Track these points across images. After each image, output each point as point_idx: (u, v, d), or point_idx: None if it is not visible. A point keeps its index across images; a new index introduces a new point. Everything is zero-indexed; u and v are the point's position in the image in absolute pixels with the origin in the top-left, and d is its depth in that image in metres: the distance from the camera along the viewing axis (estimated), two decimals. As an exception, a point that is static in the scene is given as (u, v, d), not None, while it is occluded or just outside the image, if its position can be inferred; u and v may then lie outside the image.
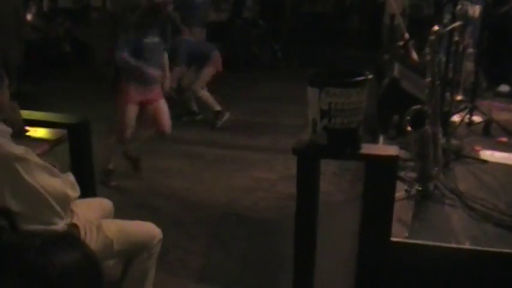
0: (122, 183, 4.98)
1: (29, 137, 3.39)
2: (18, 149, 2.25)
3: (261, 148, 5.99)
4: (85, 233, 2.50)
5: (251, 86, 8.39)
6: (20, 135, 3.29)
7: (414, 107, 3.52)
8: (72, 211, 2.52)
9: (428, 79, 3.56)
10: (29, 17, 10.07)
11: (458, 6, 4.59)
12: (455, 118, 5.15)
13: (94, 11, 10.60)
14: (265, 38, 9.35)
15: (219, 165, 5.53)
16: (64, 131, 3.44)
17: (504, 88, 6.56)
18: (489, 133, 5.06)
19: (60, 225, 2.39)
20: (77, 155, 3.35)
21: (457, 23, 4.09)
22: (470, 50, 5.93)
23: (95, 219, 2.65)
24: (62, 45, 10.90)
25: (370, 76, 2.57)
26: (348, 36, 11.70)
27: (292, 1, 12.96)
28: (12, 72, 7.43)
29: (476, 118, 5.27)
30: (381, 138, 4.66)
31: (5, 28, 7.96)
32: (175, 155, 5.84)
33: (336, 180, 5.00)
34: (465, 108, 5.27)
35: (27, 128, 3.44)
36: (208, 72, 6.82)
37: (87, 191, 3.02)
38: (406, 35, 5.04)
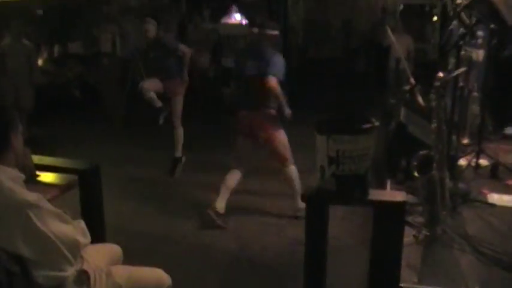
0: (129, 227, 4.98)
1: (39, 182, 3.41)
2: (31, 196, 2.29)
3: (270, 193, 5.98)
4: (95, 279, 2.51)
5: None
6: (31, 180, 3.34)
7: (421, 153, 3.56)
8: (82, 257, 2.54)
9: (434, 125, 3.61)
10: (40, 61, 10.26)
11: (462, 52, 4.67)
12: (462, 161, 5.18)
13: (104, 56, 10.78)
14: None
15: (227, 209, 5.52)
16: (74, 176, 3.48)
17: (510, 130, 6.59)
18: (496, 176, 5.09)
19: (70, 271, 2.40)
20: (87, 200, 3.37)
21: (462, 69, 4.15)
22: (475, 94, 6.00)
23: (104, 265, 2.66)
24: (72, 90, 11.06)
25: (377, 123, 2.61)
26: (354, 80, 11.81)
27: (298, 46, 13.18)
28: (24, 116, 7.54)
29: (483, 161, 5.30)
30: (389, 183, 4.69)
31: (17, 73, 8.11)
32: (184, 199, 5.86)
33: (344, 224, 4.99)
34: (472, 151, 5.30)
35: (37, 173, 3.48)
36: None
37: (96, 237, 3.04)
38: (412, 80, 5.09)
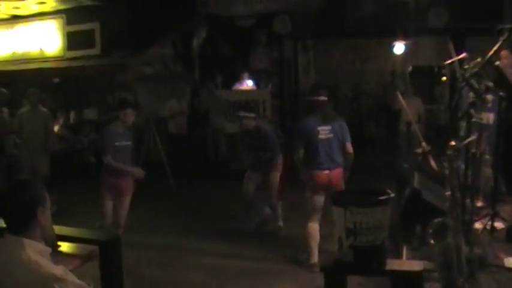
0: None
1: (60, 252, 3.47)
2: (57, 270, 2.34)
3: (284, 259, 5.95)
4: None
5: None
6: (52, 250, 3.39)
7: (436, 220, 3.60)
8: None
9: (448, 192, 3.65)
10: (56, 128, 10.47)
11: (473, 119, 4.75)
12: (477, 225, 5.18)
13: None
14: (284, 147, 9.59)
15: (243, 278, 5.49)
16: (95, 247, 3.53)
17: (523, 192, 6.58)
18: (512, 239, 5.06)
19: None
20: (107, 271, 3.42)
21: (473, 137, 4.23)
22: (487, 157, 6.04)
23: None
24: (87, 156, 11.23)
25: (393, 194, 2.67)
26: (365, 144, 11.90)
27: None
28: (43, 188, 7.61)
29: (498, 224, 5.29)
30: (405, 249, 4.69)
31: (33, 139, 8.29)
32: (198, 266, 5.84)
33: (361, 291, 4.96)
34: (486, 214, 5.31)
35: (59, 243, 3.53)
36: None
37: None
38: (424, 144, 5.17)
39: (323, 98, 5.65)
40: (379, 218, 2.62)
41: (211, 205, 8.19)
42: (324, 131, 5.48)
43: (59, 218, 4.04)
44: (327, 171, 5.44)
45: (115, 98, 11.80)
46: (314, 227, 5.47)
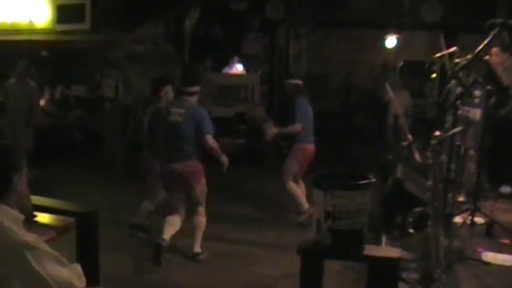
0: (124, 274, 4.95)
1: (37, 222, 3.43)
2: (30, 237, 2.30)
3: (266, 244, 5.96)
4: (88, 324, 2.51)
5: (258, 181, 8.50)
6: (28, 221, 3.35)
7: (417, 209, 3.59)
8: (76, 301, 2.53)
9: (430, 182, 3.65)
10: (42, 102, 10.36)
11: (459, 111, 4.76)
12: (458, 219, 5.19)
13: (106, 101, 10.91)
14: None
15: (223, 260, 5.49)
16: (72, 219, 3.49)
17: (506, 189, 6.63)
18: (492, 234, 5.09)
19: (65, 315, 2.40)
20: (84, 244, 3.38)
21: (458, 129, 4.22)
22: (472, 152, 6.06)
23: (98, 310, 2.66)
24: (73, 132, 11.13)
25: (374, 179, 2.65)
26: (353, 135, 11.91)
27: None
28: (22, 156, 7.53)
29: (479, 219, 5.31)
30: (384, 238, 4.70)
31: (18, 111, 8.20)
32: (180, 247, 5.83)
33: (340, 279, 4.95)
34: (467, 209, 5.32)
35: (35, 213, 3.49)
36: None
37: (91, 281, 3.03)
38: (409, 137, 5.17)
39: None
40: (358, 202, 2.60)
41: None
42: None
43: (41, 192, 4.02)
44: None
45: (103, 75, 11.68)
46: (293, 184, 6.48)
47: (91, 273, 3.28)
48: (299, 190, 6.57)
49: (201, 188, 5.44)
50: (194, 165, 5.39)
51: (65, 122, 11.34)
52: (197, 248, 5.43)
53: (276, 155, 8.68)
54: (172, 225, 5.40)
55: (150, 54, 11.39)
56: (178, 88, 5.76)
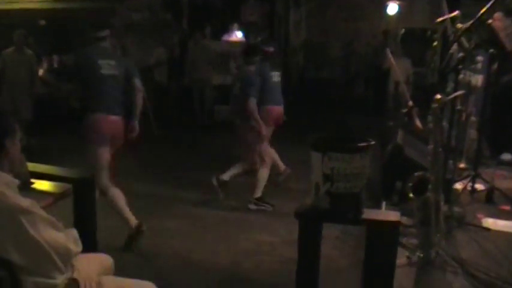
0: (123, 241, 4.95)
1: (34, 189, 3.40)
2: (24, 202, 2.28)
3: (265, 211, 5.97)
4: (85, 288, 2.49)
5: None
6: (25, 187, 3.33)
7: (417, 174, 3.55)
8: (73, 266, 2.52)
9: (430, 146, 3.61)
10: (40, 72, 10.27)
11: (461, 75, 4.69)
12: (458, 186, 5.18)
13: (104, 69, 10.81)
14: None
15: (222, 227, 5.50)
16: (69, 185, 3.47)
17: (507, 157, 6.60)
18: (492, 201, 5.09)
19: (61, 279, 2.38)
20: (81, 209, 3.36)
21: (459, 92, 4.17)
22: (474, 119, 6.01)
23: (95, 275, 2.63)
24: (71, 101, 11.03)
25: (373, 142, 2.61)
26: (353, 103, 11.85)
27: (297, 67, 13.24)
28: (22, 125, 7.51)
29: (479, 186, 5.30)
30: (384, 204, 4.68)
31: (17, 82, 8.13)
32: (178, 215, 5.83)
33: (339, 245, 4.96)
34: (468, 176, 5.31)
35: (32, 180, 3.47)
36: None
37: (88, 247, 3.01)
38: (410, 103, 5.12)
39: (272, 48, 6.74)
40: (357, 165, 2.55)
41: (194, 155, 8.15)
42: (275, 76, 6.44)
43: (40, 160, 3.98)
44: (280, 107, 6.47)
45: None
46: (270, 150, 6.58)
47: (88, 239, 3.27)
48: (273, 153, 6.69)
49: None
50: None
51: (63, 91, 11.25)
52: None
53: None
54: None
55: (147, 21, 11.26)
56: None
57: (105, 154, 5.16)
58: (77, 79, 5.37)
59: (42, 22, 12.67)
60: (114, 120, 5.13)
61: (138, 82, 5.15)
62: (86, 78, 5.06)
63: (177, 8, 11.00)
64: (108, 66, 4.97)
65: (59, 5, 11.64)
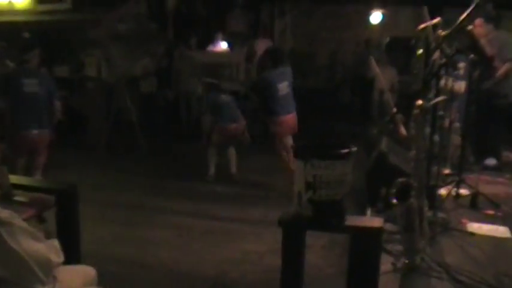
0: (109, 252, 4.92)
1: (15, 201, 3.39)
2: (3, 213, 2.26)
3: (251, 220, 5.96)
4: (66, 300, 2.47)
5: (242, 158, 8.47)
6: (6, 199, 3.31)
7: (400, 180, 3.56)
8: (55, 277, 2.50)
9: (413, 152, 3.63)
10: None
11: (443, 82, 4.72)
12: (443, 191, 5.20)
13: (89, 80, 10.77)
14: (257, 111, 9.53)
15: (208, 236, 5.48)
16: (52, 197, 3.44)
17: (491, 162, 6.65)
18: (476, 206, 5.11)
19: (42, 291, 2.36)
20: (64, 221, 3.34)
21: (441, 98, 4.20)
22: (457, 125, 6.05)
23: (76, 286, 2.62)
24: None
25: (355, 148, 2.62)
26: (339, 111, 11.88)
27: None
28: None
29: (464, 191, 5.32)
30: (369, 212, 4.69)
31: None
32: (164, 225, 5.80)
33: (325, 254, 4.96)
34: (452, 181, 5.33)
35: (15, 192, 3.45)
36: None
37: (71, 259, 3.00)
38: (394, 110, 5.15)
39: None
40: (339, 172, 2.55)
41: (181, 166, 8.15)
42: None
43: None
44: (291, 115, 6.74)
45: (87, 55, 11.51)
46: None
47: (72, 250, 3.25)
48: None
49: None
50: None
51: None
52: None
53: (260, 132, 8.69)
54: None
55: (133, 32, 11.22)
56: None
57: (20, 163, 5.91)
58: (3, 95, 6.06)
59: (26, 34, 12.60)
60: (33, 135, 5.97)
61: (56, 101, 6.16)
62: (11, 94, 5.93)
63: (162, 17, 10.99)
64: (30, 85, 5.88)
65: (44, 17, 11.59)
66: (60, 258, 2.51)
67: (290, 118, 6.71)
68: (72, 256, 3.11)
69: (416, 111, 3.57)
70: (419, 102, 3.57)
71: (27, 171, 5.92)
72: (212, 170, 7.40)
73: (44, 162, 6.24)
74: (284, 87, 6.65)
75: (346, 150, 2.59)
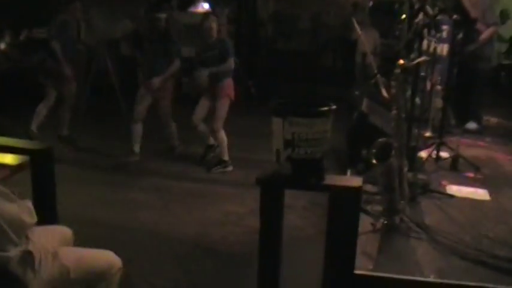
0: (88, 214, 4.88)
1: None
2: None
3: (232, 182, 5.96)
4: (40, 260, 2.43)
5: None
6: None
7: (380, 140, 3.54)
8: (28, 238, 2.45)
9: (393, 112, 3.60)
10: (2, 46, 10.00)
11: (425, 42, 4.68)
12: (423, 154, 5.21)
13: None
14: (239, 74, 9.43)
15: (189, 198, 5.47)
16: (26, 157, 3.37)
17: (472, 125, 6.67)
18: (456, 168, 5.14)
19: (14, 252, 2.32)
20: (39, 182, 3.26)
21: (422, 58, 4.16)
22: (439, 87, 6.04)
23: (51, 246, 2.57)
24: (38, 76, 10.78)
25: (334, 106, 2.57)
26: (322, 73, 11.82)
27: (267, 38, 13.12)
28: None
29: (444, 154, 5.35)
30: (349, 172, 4.69)
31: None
32: (144, 187, 5.78)
33: (306, 215, 4.98)
34: (433, 144, 5.34)
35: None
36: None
37: (47, 219, 2.95)
38: (376, 71, 5.11)
39: None
40: (318, 129, 2.51)
41: (161, 128, 8.03)
42: None
43: (3, 134, 3.87)
44: None
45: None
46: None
47: (47, 211, 3.20)
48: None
49: None
50: None
51: (28, 65, 10.97)
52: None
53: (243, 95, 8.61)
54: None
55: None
56: None
57: None
58: None
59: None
60: None
61: None
62: None
63: (143, -22, 10.74)
64: None
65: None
66: (34, 218, 2.46)
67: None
68: (48, 217, 3.06)
69: (397, 70, 3.53)
70: (401, 61, 3.53)
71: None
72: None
73: None
74: None
75: (325, 108, 2.54)
